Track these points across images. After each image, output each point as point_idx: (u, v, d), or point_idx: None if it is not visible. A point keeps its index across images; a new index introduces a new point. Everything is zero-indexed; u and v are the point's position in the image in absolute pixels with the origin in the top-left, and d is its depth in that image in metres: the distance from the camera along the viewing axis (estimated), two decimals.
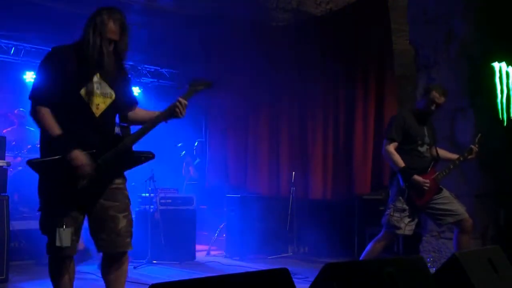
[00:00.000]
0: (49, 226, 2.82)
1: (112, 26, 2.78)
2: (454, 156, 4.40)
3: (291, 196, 6.63)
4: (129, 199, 2.97)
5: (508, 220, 5.10)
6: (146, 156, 2.94)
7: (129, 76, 3.13)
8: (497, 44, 5.06)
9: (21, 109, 7.53)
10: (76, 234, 2.86)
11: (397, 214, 4.15)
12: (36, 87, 2.81)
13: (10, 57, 7.92)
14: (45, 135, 2.85)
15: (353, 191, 6.38)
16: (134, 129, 2.98)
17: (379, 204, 5.95)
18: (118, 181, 2.91)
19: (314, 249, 6.70)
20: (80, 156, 2.71)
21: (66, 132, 2.74)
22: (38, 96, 2.79)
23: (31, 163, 2.78)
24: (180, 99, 2.88)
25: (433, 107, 4.24)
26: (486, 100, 5.10)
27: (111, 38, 2.80)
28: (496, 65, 5.06)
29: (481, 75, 5.13)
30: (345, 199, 6.54)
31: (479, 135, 4.38)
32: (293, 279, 2.17)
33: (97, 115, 2.82)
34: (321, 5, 7.50)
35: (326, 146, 6.76)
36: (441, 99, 4.23)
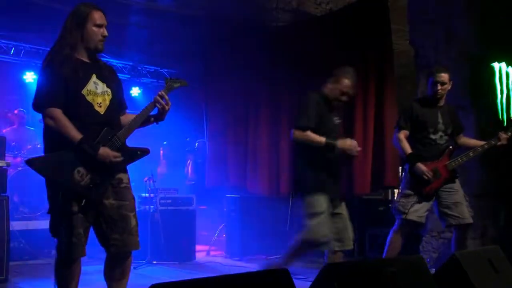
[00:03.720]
0: (58, 229, 2.82)
1: (96, 14, 2.89)
2: (479, 143, 4.30)
3: (291, 196, 6.61)
4: (134, 199, 3.02)
5: (508, 220, 5.10)
6: (142, 151, 2.97)
7: (119, 77, 3.20)
8: (497, 44, 5.06)
9: (21, 109, 7.52)
10: (85, 235, 2.85)
11: (403, 199, 4.18)
12: (39, 93, 2.83)
13: (10, 57, 7.91)
14: (51, 133, 2.84)
15: (353, 191, 6.37)
16: None
17: (379, 204, 5.95)
18: (125, 180, 2.95)
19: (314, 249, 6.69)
20: (109, 152, 2.79)
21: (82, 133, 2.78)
22: (44, 100, 2.81)
23: (30, 162, 2.77)
24: (161, 92, 2.99)
25: (438, 88, 4.18)
26: (486, 100, 5.10)
27: (100, 23, 2.88)
28: (496, 65, 5.06)
29: (481, 75, 5.13)
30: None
31: None
32: (293, 279, 2.17)
33: (102, 112, 2.88)
34: (321, 5, 7.50)
35: None
36: (440, 77, 4.17)
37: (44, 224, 6.07)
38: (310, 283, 2.29)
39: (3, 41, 7.72)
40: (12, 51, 7.87)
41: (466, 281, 2.76)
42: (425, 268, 2.71)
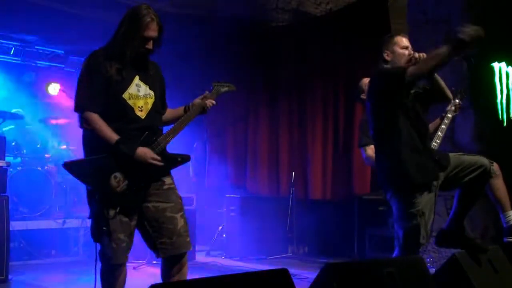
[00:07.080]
0: (100, 235, 2.76)
1: (150, 24, 2.78)
2: (437, 122, 3.90)
3: (291, 196, 6.62)
4: (181, 198, 2.92)
5: None
6: (183, 158, 2.91)
7: (164, 78, 3.10)
8: (497, 44, 5.06)
9: (20, 110, 7.51)
10: (128, 240, 2.79)
11: None
12: (79, 97, 2.77)
13: (10, 57, 7.91)
14: (90, 136, 2.78)
15: (353, 191, 6.37)
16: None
17: (379, 204, 5.93)
18: (168, 182, 2.88)
19: (314, 249, 6.70)
20: (147, 152, 2.73)
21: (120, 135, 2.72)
22: (83, 104, 2.75)
23: (67, 166, 2.71)
24: (211, 99, 2.97)
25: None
26: (486, 100, 5.10)
27: (151, 36, 2.80)
28: (496, 65, 5.05)
29: (481, 75, 5.12)
30: (345, 199, 6.53)
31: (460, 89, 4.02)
32: (293, 280, 2.17)
33: (143, 117, 2.82)
34: (321, 5, 7.50)
35: (326, 146, 6.76)
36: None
37: (44, 224, 6.07)
38: (310, 283, 2.29)
39: (3, 41, 7.72)
40: (12, 51, 7.87)
41: (466, 281, 2.76)
42: (425, 268, 2.71)
